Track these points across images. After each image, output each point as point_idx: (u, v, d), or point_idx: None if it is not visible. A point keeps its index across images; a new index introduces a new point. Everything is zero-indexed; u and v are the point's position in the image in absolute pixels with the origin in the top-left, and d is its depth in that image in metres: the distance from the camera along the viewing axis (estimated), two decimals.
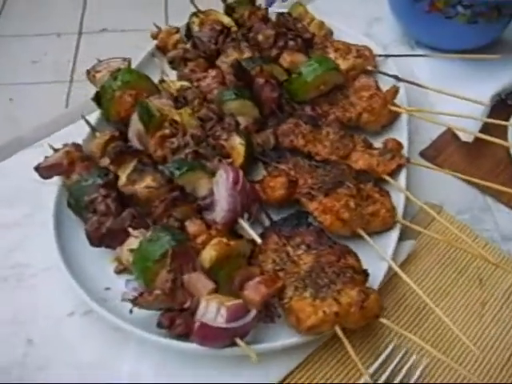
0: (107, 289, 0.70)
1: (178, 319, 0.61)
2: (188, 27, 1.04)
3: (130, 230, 0.69)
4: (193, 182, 0.73)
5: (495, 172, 0.92)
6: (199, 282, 0.63)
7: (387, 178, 0.81)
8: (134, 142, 0.79)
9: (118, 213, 0.70)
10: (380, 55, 1.03)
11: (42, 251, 0.74)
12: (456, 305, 0.73)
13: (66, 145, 0.79)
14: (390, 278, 0.73)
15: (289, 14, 1.06)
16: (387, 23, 1.19)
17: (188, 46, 0.98)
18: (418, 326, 0.70)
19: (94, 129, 0.84)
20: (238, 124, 0.82)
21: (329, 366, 0.66)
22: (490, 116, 0.93)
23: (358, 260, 0.69)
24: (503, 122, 0.87)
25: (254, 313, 0.62)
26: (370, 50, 1.01)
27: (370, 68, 0.99)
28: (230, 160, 0.76)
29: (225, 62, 0.95)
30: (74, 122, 0.91)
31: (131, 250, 0.67)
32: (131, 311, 0.63)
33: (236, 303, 0.61)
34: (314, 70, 0.90)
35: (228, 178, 0.70)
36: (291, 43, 0.97)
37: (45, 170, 0.78)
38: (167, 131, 0.77)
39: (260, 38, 0.99)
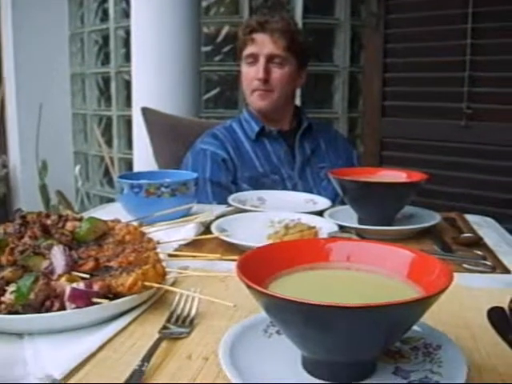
0: None
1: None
2: None
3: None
4: (37, 263, 1.20)
5: None
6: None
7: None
8: None
9: None
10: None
11: None
12: None
13: None
14: None
15: None
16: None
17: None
18: None
19: None
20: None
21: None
22: None
23: None
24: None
25: None
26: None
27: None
28: None
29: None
30: None
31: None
32: None
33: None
34: (90, 220, 1.50)
35: (59, 247, 1.20)
36: (70, 217, 1.56)
37: None
38: (13, 245, 1.23)
39: (48, 222, 1.55)
